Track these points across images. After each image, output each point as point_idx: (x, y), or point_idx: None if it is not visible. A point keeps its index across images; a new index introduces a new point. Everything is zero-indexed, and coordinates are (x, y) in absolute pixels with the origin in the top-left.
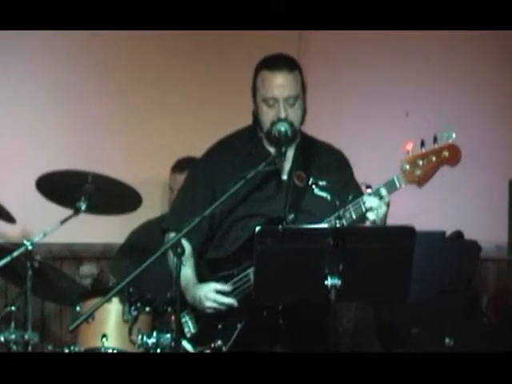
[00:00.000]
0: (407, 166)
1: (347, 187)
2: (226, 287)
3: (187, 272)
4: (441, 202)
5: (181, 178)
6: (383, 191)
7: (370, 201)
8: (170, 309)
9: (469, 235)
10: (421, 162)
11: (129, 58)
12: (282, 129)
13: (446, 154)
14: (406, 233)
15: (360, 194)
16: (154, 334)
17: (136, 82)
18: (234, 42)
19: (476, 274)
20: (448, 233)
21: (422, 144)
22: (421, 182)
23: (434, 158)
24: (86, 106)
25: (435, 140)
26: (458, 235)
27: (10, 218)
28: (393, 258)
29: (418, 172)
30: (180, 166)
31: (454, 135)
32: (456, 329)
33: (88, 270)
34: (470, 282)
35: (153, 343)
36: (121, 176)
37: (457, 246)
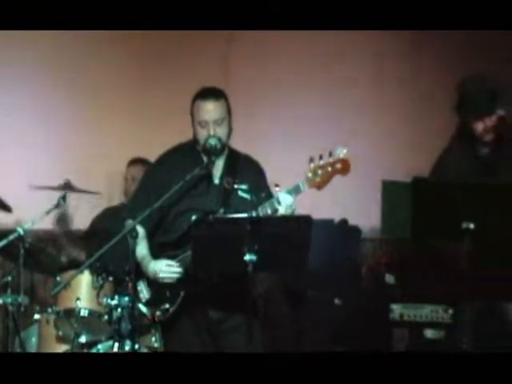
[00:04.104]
0: (309, 175)
1: (261, 188)
2: (174, 263)
3: (143, 250)
4: (331, 197)
5: (134, 171)
6: (291, 193)
7: (282, 200)
8: (127, 278)
9: (352, 221)
10: (320, 172)
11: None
12: (212, 143)
13: (338, 165)
14: (305, 220)
15: (269, 192)
16: (116, 297)
17: (98, 95)
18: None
19: (358, 250)
20: (336, 220)
21: (321, 157)
22: (320, 186)
23: (329, 169)
24: (63, 113)
25: (330, 155)
26: (344, 222)
27: (6, 207)
28: (295, 239)
29: (318, 179)
30: (134, 162)
31: (344, 151)
32: (343, 292)
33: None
34: (354, 256)
35: (115, 304)
36: (89, 170)
37: (343, 230)
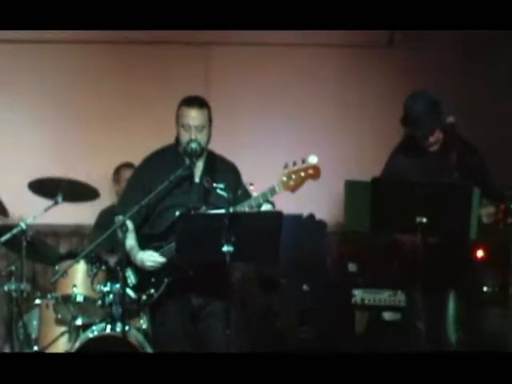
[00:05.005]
0: (284, 178)
1: (237, 187)
2: (158, 253)
3: (131, 242)
4: (300, 194)
5: (123, 174)
6: (267, 194)
7: (257, 201)
8: (118, 268)
9: (318, 216)
10: (293, 176)
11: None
12: (193, 146)
13: (310, 171)
14: (277, 215)
15: (245, 189)
16: (108, 284)
17: (88, 105)
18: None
19: (324, 242)
20: (304, 215)
21: (294, 163)
22: (293, 189)
23: (302, 174)
24: (62, 120)
25: (303, 161)
26: (311, 217)
27: (4, 212)
28: (268, 232)
29: (292, 183)
30: (124, 166)
31: (316, 159)
32: (310, 279)
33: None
34: (319, 247)
35: (107, 290)
36: (79, 175)
37: (310, 224)
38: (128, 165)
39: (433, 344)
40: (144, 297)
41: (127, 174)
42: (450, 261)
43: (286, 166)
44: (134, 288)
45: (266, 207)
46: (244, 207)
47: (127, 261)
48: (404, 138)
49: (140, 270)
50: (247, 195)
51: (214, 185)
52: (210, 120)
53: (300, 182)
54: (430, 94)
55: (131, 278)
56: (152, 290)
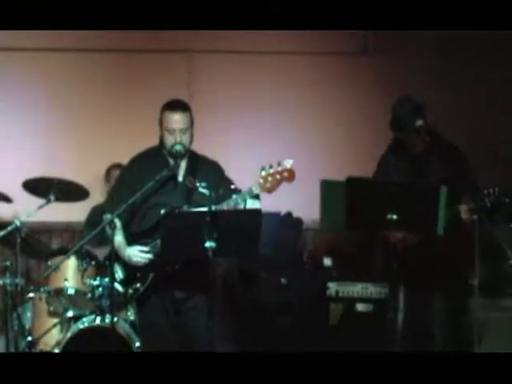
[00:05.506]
0: (261, 181)
1: (219, 185)
2: (145, 248)
3: (119, 238)
4: (279, 193)
5: (113, 174)
6: (246, 195)
7: (236, 201)
8: (107, 262)
9: (296, 214)
10: (270, 178)
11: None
12: (178, 148)
13: (285, 174)
14: (256, 213)
15: (228, 188)
16: (98, 278)
17: (82, 110)
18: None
19: (300, 238)
20: (282, 213)
21: (271, 166)
22: (270, 190)
23: (278, 176)
24: (54, 124)
25: (279, 164)
26: (289, 214)
27: (7, 199)
28: (248, 228)
29: (268, 185)
30: (113, 168)
31: (291, 162)
32: (288, 273)
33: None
34: (296, 243)
35: (97, 284)
36: (73, 175)
37: (287, 221)
38: (118, 165)
39: (411, 338)
40: (130, 291)
41: (117, 173)
42: (422, 255)
43: (263, 169)
44: (121, 282)
45: (251, 202)
46: (223, 207)
47: (115, 256)
48: (394, 140)
49: (127, 266)
50: (230, 193)
51: (197, 184)
52: (192, 122)
53: (276, 185)
54: (414, 98)
55: (119, 273)
56: (138, 285)
